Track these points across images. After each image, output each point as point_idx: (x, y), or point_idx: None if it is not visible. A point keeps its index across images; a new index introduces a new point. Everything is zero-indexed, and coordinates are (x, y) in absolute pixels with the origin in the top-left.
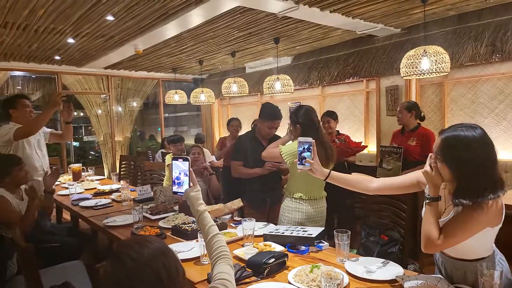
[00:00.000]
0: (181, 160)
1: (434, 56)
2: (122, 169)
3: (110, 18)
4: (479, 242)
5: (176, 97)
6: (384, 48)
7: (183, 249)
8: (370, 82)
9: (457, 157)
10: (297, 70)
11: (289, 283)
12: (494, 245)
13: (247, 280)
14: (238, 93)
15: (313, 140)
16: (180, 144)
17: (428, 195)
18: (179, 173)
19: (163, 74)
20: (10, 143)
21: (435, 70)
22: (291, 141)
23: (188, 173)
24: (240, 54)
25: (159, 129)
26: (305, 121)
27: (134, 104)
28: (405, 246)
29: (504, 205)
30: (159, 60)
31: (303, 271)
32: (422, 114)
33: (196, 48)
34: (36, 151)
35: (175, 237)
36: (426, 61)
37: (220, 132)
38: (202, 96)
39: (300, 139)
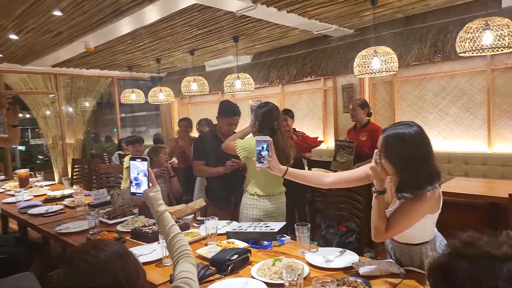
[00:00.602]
0: (139, 160)
1: (383, 56)
2: (75, 174)
3: (57, 13)
4: (422, 228)
5: (133, 96)
6: (339, 48)
7: (144, 252)
8: (327, 81)
9: (396, 153)
10: (257, 68)
11: (253, 277)
12: (435, 229)
13: (211, 278)
14: (198, 92)
15: (271, 139)
16: (139, 145)
17: (375, 188)
18: (137, 174)
19: (118, 72)
20: None
21: (385, 69)
22: (250, 135)
23: (147, 174)
24: (200, 52)
25: (115, 130)
26: (263, 120)
27: (87, 104)
28: (362, 235)
29: (441, 193)
30: (114, 57)
31: (266, 265)
32: (370, 110)
33: (153, 46)
34: None
35: (135, 240)
36: (377, 61)
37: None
38: (161, 95)
39: (258, 138)
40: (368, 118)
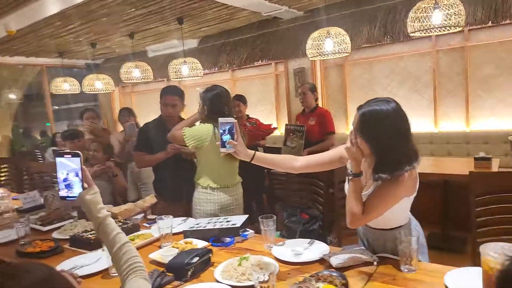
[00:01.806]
0: (69, 156)
1: (336, 37)
2: (2, 175)
3: None
4: (397, 212)
5: (65, 85)
6: (289, 30)
7: (86, 263)
8: (278, 65)
9: (373, 132)
10: (205, 53)
11: (217, 281)
12: (409, 213)
13: (169, 286)
14: (141, 79)
15: (235, 120)
16: (79, 140)
17: (351, 171)
18: (67, 174)
19: (47, 60)
20: None
21: (338, 50)
22: (198, 123)
23: (79, 173)
24: (140, 35)
25: (48, 124)
26: (212, 105)
27: (13, 96)
28: (325, 221)
29: (418, 174)
30: (41, 42)
31: (231, 266)
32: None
33: (87, 28)
34: None
35: (75, 248)
36: (330, 42)
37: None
38: (98, 83)
39: (221, 119)
40: (316, 102)
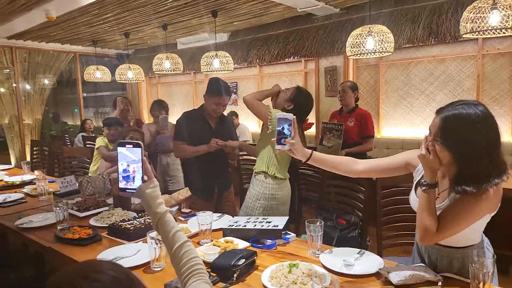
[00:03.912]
0: (130, 146)
1: (378, 35)
2: (34, 157)
3: None
4: (474, 229)
5: (97, 73)
6: (324, 27)
7: (127, 254)
8: (308, 63)
9: (459, 138)
10: (235, 48)
11: (265, 287)
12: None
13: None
14: (171, 71)
15: (294, 117)
16: (116, 128)
17: (424, 181)
18: (128, 165)
19: (81, 48)
20: None
21: (380, 49)
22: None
23: (141, 164)
24: (173, 27)
25: (77, 110)
26: (301, 103)
27: (46, 81)
28: (364, 230)
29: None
30: (77, 30)
31: (280, 272)
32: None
33: (122, 18)
34: None
35: (113, 238)
36: (371, 41)
37: (148, 114)
38: (130, 73)
39: (279, 115)
40: (356, 102)
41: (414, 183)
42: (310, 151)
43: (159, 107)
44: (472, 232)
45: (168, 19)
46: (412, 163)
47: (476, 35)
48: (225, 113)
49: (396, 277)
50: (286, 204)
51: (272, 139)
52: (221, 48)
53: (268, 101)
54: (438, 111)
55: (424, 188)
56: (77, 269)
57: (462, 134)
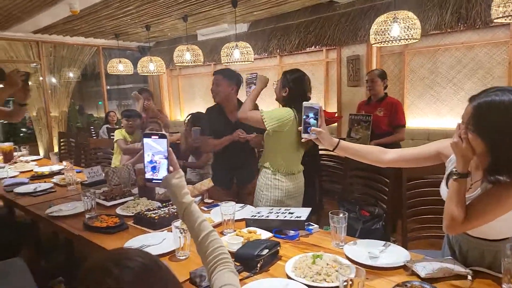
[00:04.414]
0: (156, 137)
1: (404, 22)
2: (61, 148)
3: None
4: (508, 222)
5: (120, 66)
6: (346, 15)
7: (153, 242)
8: (330, 52)
9: (492, 126)
10: (255, 38)
11: (289, 277)
12: None
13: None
14: (191, 62)
15: (321, 105)
16: (135, 120)
17: (456, 170)
18: (153, 155)
19: (104, 41)
20: None
21: (406, 36)
22: (275, 107)
23: (166, 155)
24: (193, 19)
25: (101, 103)
26: (296, 87)
27: (71, 75)
28: (388, 222)
29: None
30: (99, 23)
31: (304, 263)
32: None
33: (143, 11)
34: None
35: (139, 226)
36: (397, 28)
37: (170, 106)
38: (151, 65)
39: (306, 104)
40: (385, 91)
41: (446, 173)
42: (337, 140)
43: (195, 120)
44: (505, 224)
45: (189, 10)
46: (444, 152)
47: (509, 19)
48: None
49: (423, 270)
50: (294, 198)
51: (299, 128)
52: (241, 39)
53: (271, 99)
54: (471, 99)
55: (455, 177)
56: (109, 256)
57: (495, 122)
